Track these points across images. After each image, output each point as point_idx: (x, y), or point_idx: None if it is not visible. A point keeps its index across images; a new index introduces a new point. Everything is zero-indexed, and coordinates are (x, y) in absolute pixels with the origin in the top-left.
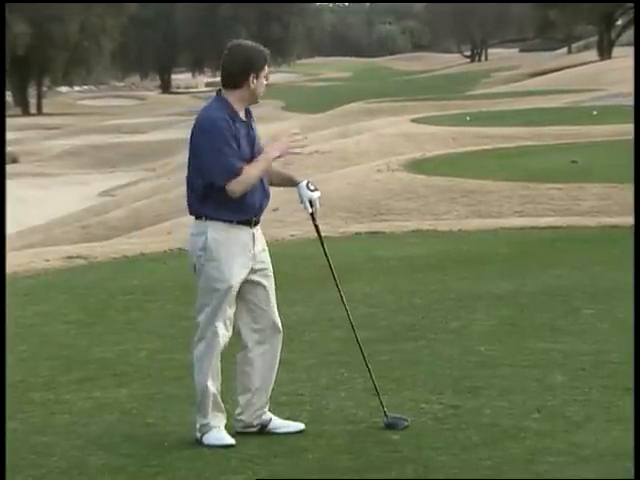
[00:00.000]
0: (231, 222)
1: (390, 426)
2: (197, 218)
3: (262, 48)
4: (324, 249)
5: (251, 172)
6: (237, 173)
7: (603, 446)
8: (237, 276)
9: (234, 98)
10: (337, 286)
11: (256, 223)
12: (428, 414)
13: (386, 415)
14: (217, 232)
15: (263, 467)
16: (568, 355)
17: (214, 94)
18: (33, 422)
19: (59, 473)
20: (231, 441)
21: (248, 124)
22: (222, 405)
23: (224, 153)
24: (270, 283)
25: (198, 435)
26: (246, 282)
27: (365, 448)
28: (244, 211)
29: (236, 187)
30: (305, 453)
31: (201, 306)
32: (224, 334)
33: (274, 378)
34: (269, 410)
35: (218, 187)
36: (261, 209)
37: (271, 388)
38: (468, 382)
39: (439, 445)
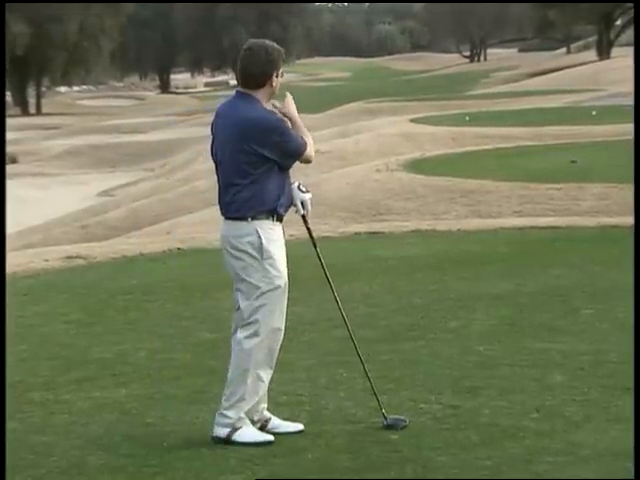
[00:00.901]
0: (273, 220)
1: (389, 427)
2: (237, 219)
3: (278, 47)
4: (317, 251)
5: (305, 135)
6: (305, 144)
7: (602, 446)
8: (285, 271)
9: (259, 97)
10: (330, 287)
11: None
12: (427, 414)
13: (385, 416)
14: (265, 230)
15: (262, 467)
16: (567, 355)
17: (213, 94)
18: (32, 422)
19: (58, 473)
20: (270, 437)
21: None
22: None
23: (289, 132)
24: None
25: (226, 431)
26: None
27: (364, 448)
28: (280, 207)
29: (311, 151)
30: (304, 453)
31: (258, 307)
32: (279, 328)
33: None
34: (267, 410)
35: (282, 168)
36: (289, 206)
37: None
38: (467, 382)
39: (438, 445)
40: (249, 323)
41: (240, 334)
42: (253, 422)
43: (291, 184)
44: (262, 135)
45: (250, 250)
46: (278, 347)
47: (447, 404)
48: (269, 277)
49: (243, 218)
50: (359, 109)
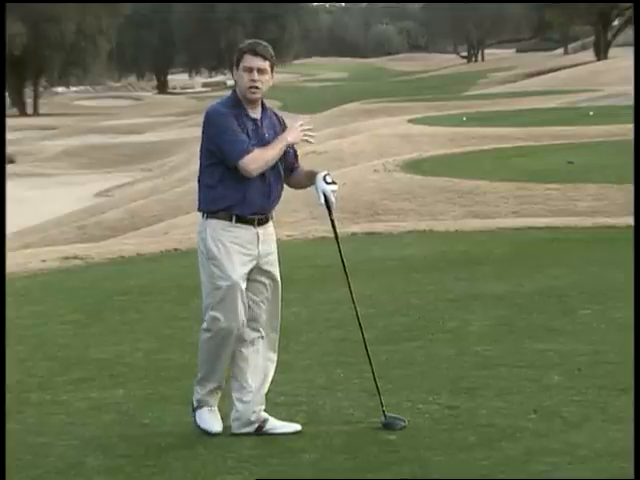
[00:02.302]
0: (229, 220)
1: (387, 426)
2: (201, 215)
3: (246, 42)
4: (338, 245)
5: (266, 151)
6: (249, 150)
7: (599, 446)
8: (239, 273)
9: (239, 94)
10: (348, 284)
11: (260, 222)
12: (425, 414)
13: (385, 415)
14: (215, 231)
15: (260, 467)
16: (564, 355)
17: (210, 94)
18: (30, 423)
19: (56, 474)
20: (217, 429)
21: (257, 122)
22: (220, 390)
23: (233, 133)
24: (274, 284)
25: (194, 403)
26: (251, 280)
27: (362, 448)
28: (240, 207)
29: (250, 164)
30: (302, 453)
31: (207, 306)
32: (226, 328)
33: (270, 377)
34: (264, 411)
35: (233, 168)
36: (263, 209)
37: (266, 387)
38: (465, 383)
39: (436, 445)
40: (204, 318)
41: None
42: (250, 422)
43: (317, 173)
44: (205, 125)
45: (201, 247)
46: (240, 350)
47: (445, 405)
48: (213, 277)
49: (202, 215)
50: (356, 109)
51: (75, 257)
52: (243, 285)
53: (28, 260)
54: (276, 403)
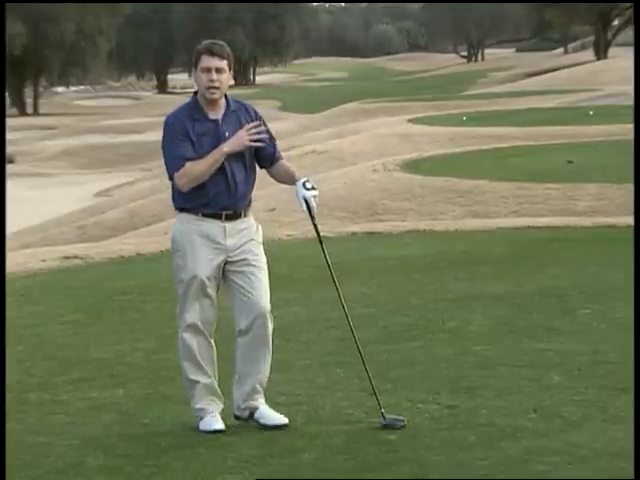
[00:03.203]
0: (196, 214)
1: (387, 426)
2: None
3: (202, 43)
4: (323, 249)
5: (196, 166)
6: (180, 165)
7: (599, 446)
8: (202, 267)
9: (199, 97)
10: (336, 286)
11: (228, 217)
12: (425, 414)
13: (383, 416)
14: (182, 224)
15: (260, 467)
16: (564, 355)
17: None
18: (29, 422)
19: (55, 473)
20: (217, 427)
21: (217, 122)
22: (217, 391)
23: (170, 147)
24: (256, 271)
25: (197, 417)
26: (229, 272)
27: (362, 448)
28: (205, 206)
29: (179, 180)
30: (302, 453)
31: (176, 297)
32: (192, 324)
33: (265, 368)
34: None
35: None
36: (226, 206)
37: (261, 377)
38: (464, 382)
39: (436, 445)
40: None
41: None
42: (240, 409)
43: (296, 180)
44: None
45: (171, 242)
46: (207, 348)
47: (444, 404)
48: (176, 269)
49: (175, 211)
50: (356, 109)
51: (75, 257)
52: (209, 280)
53: (28, 260)
54: (276, 403)
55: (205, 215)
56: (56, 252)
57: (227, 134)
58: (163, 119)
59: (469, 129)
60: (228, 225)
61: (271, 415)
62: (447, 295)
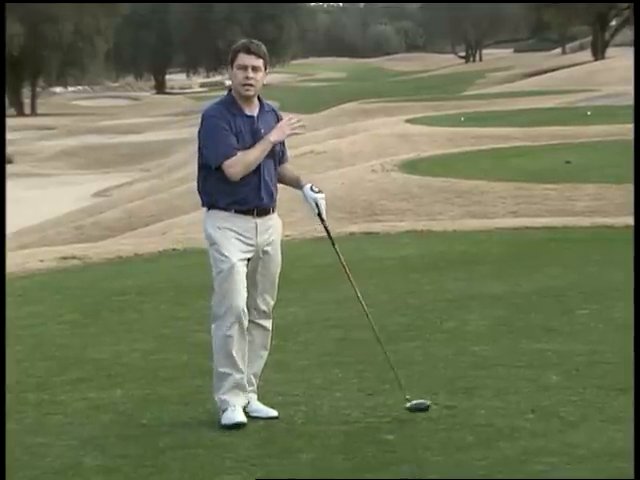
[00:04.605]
0: (229, 212)
1: (413, 409)
2: (205, 210)
3: (239, 42)
4: (336, 250)
5: (248, 154)
6: (231, 154)
7: (597, 446)
8: (237, 255)
9: (234, 94)
10: (352, 284)
11: (259, 214)
12: (423, 414)
13: (408, 400)
14: (214, 220)
15: (258, 467)
16: (562, 355)
17: (208, 94)
18: (28, 423)
19: (53, 474)
20: (240, 419)
21: (254, 119)
22: (245, 386)
23: (218, 136)
24: (272, 266)
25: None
26: (250, 268)
27: (360, 448)
28: (238, 203)
29: (231, 168)
30: (300, 453)
31: (214, 292)
32: (232, 312)
33: (260, 364)
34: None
35: (215, 170)
36: (258, 203)
37: (255, 371)
38: (463, 382)
39: (434, 445)
40: (211, 307)
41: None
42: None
43: (303, 185)
44: (199, 127)
45: (205, 237)
46: (242, 340)
47: (442, 404)
48: (216, 262)
49: (205, 209)
50: (354, 109)
51: (73, 257)
52: (243, 270)
53: (26, 260)
54: (274, 403)
55: (237, 212)
56: (54, 252)
57: (262, 131)
58: (163, 119)
59: (467, 129)
60: (259, 221)
61: (260, 410)
62: (445, 295)
